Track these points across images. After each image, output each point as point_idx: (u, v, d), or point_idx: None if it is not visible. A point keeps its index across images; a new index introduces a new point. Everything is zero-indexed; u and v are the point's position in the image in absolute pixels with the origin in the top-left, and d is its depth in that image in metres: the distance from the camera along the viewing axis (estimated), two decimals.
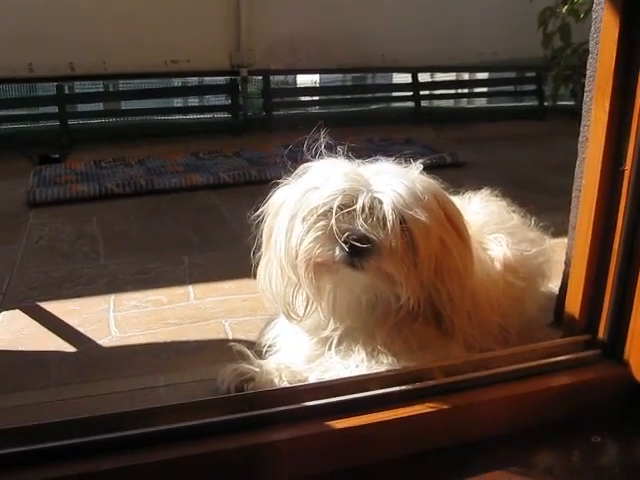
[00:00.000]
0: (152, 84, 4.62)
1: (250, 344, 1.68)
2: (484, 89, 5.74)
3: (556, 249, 1.81)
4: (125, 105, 4.71)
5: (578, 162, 1.59)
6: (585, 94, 1.54)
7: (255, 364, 1.46)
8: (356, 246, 1.26)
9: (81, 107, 4.62)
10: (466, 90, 5.80)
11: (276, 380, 1.41)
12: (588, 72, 1.52)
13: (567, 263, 1.66)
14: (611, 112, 1.32)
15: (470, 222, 1.68)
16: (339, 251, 1.28)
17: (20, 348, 1.76)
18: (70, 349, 1.76)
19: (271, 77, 4.77)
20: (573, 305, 1.48)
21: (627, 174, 1.33)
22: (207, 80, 5.00)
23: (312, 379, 1.41)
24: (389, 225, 1.28)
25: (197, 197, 3.22)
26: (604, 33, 1.32)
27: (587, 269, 1.43)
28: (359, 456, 1.24)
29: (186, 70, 4.53)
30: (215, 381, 1.45)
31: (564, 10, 3.36)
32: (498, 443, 1.32)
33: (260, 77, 4.72)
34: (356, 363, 1.39)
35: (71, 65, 4.22)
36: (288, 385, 1.39)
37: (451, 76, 5.48)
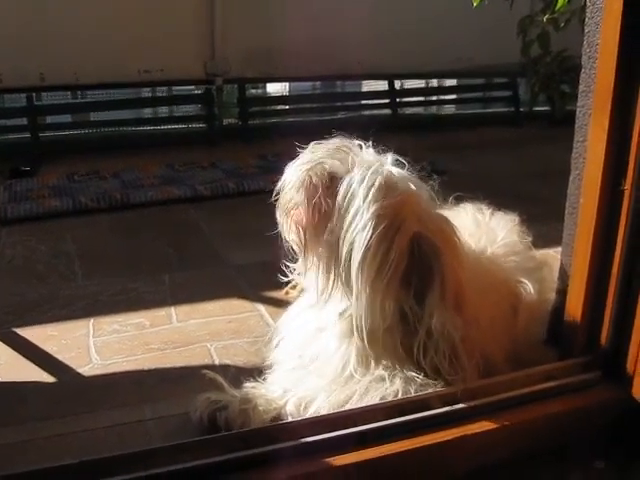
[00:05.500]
0: (125, 94, 4.53)
1: (236, 369, 1.64)
2: (461, 95, 5.72)
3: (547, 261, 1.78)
4: (98, 116, 4.60)
5: (571, 178, 1.55)
6: (578, 109, 1.50)
7: (230, 392, 1.42)
8: None
9: (53, 119, 4.49)
10: (444, 97, 5.78)
11: (250, 409, 1.37)
12: (581, 87, 1.48)
13: (561, 280, 1.63)
14: (610, 130, 1.29)
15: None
16: None
17: None
18: (49, 379, 1.68)
19: (247, 86, 4.72)
20: (571, 326, 1.45)
21: (627, 194, 1.30)
22: (182, 89, 4.92)
23: (290, 405, 1.38)
24: None
25: (174, 211, 3.12)
26: (602, 49, 1.29)
27: (586, 290, 1.40)
28: None
29: (160, 79, 4.42)
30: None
31: (544, 19, 3.36)
32: (496, 472, 1.28)
33: (235, 86, 4.67)
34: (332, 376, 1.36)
35: (41, 75, 4.11)
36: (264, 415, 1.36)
37: (431, 82, 5.47)
